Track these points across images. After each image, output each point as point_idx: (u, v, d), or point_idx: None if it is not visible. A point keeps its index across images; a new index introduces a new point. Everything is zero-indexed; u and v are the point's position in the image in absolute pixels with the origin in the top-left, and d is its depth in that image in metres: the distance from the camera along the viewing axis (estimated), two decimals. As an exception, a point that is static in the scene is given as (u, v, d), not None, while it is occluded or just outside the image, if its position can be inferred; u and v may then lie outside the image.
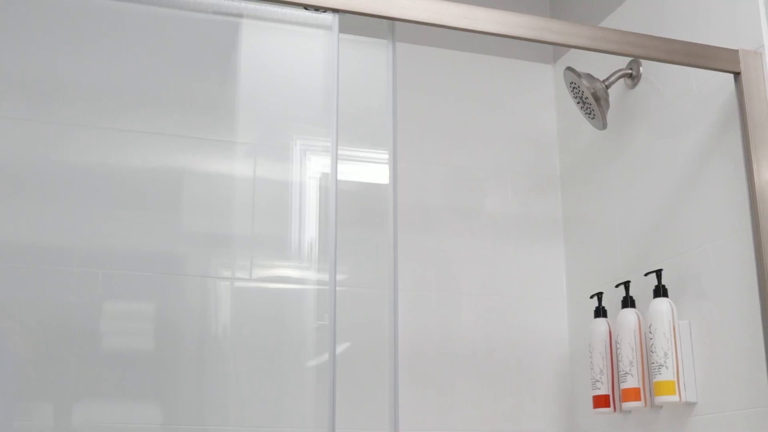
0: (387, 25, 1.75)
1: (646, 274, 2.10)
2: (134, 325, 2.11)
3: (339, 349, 2.14)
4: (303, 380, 2.13)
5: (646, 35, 1.89)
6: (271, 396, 2.14)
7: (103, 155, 2.13)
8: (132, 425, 2.02)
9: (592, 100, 2.22)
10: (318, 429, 1.99)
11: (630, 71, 2.27)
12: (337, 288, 1.65)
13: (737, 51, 1.87)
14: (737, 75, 1.87)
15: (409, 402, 2.18)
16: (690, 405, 1.97)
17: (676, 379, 1.95)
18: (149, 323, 2.13)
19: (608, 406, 2.15)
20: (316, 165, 2.24)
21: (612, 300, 2.23)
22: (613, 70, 2.27)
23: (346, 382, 1.94)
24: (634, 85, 2.28)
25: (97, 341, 2.05)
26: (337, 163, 1.69)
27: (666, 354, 1.95)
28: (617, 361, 2.12)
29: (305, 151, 2.25)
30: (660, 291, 2.03)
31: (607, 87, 2.24)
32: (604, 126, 2.26)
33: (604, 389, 2.16)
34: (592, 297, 2.30)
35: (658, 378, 1.96)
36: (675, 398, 1.95)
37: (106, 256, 2.07)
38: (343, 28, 1.70)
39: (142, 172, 2.16)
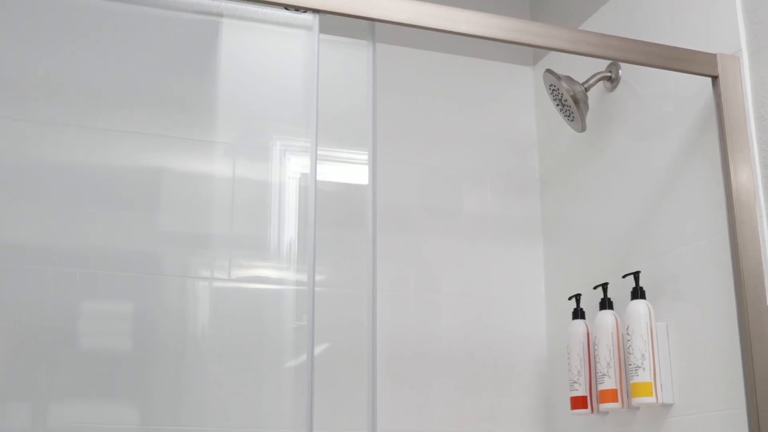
0: (367, 26, 1.74)
1: (623, 276, 2.11)
2: (112, 325, 2.09)
3: (317, 349, 2.13)
4: (281, 381, 2.12)
5: (625, 38, 1.90)
6: (249, 396, 2.13)
7: (82, 154, 2.12)
8: (110, 426, 2.01)
9: (572, 103, 2.22)
10: (296, 429, 1.98)
11: (609, 74, 2.28)
12: (316, 288, 1.65)
13: (715, 55, 1.88)
14: (715, 78, 1.88)
15: (388, 402, 2.18)
16: (667, 406, 1.98)
17: (653, 380, 1.96)
18: (127, 323, 2.12)
19: (585, 407, 2.16)
20: (296, 165, 2.23)
21: (590, 302, 2.24)
22: (593, 73, 2.28)
23: (325, 383, 1.93)
24: (613, 88, 2.29)
25: (74, 341, 2.04)
26: (316, 164, 1.68)
27: (643, 356, 1.96)
28: (595, 362, 2.13)
29: (285, 151, 2.25)
30: (638, 293, 2.04)
31: (587, 89, 2.25)
32: (583, 128, 2.26)
33: (581, 390, 2.16)
34: (570, 298, 2.31)
35: (635, 379, 1.97)
36: (652, 400, 1.95)
37: (83, 255, 2.06)
38: (324, 29, 1.70)
39: (120, 171, 2.14)
